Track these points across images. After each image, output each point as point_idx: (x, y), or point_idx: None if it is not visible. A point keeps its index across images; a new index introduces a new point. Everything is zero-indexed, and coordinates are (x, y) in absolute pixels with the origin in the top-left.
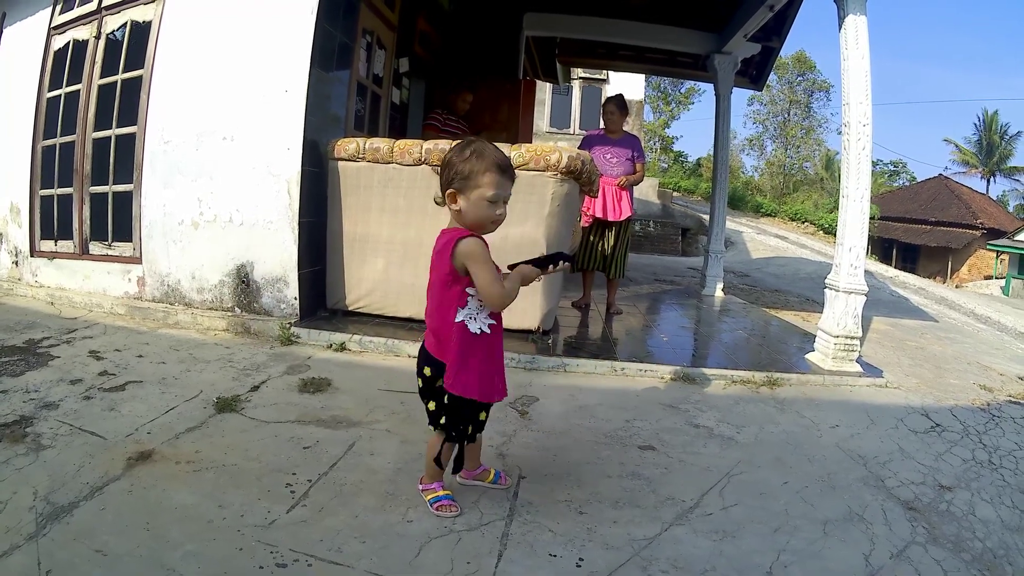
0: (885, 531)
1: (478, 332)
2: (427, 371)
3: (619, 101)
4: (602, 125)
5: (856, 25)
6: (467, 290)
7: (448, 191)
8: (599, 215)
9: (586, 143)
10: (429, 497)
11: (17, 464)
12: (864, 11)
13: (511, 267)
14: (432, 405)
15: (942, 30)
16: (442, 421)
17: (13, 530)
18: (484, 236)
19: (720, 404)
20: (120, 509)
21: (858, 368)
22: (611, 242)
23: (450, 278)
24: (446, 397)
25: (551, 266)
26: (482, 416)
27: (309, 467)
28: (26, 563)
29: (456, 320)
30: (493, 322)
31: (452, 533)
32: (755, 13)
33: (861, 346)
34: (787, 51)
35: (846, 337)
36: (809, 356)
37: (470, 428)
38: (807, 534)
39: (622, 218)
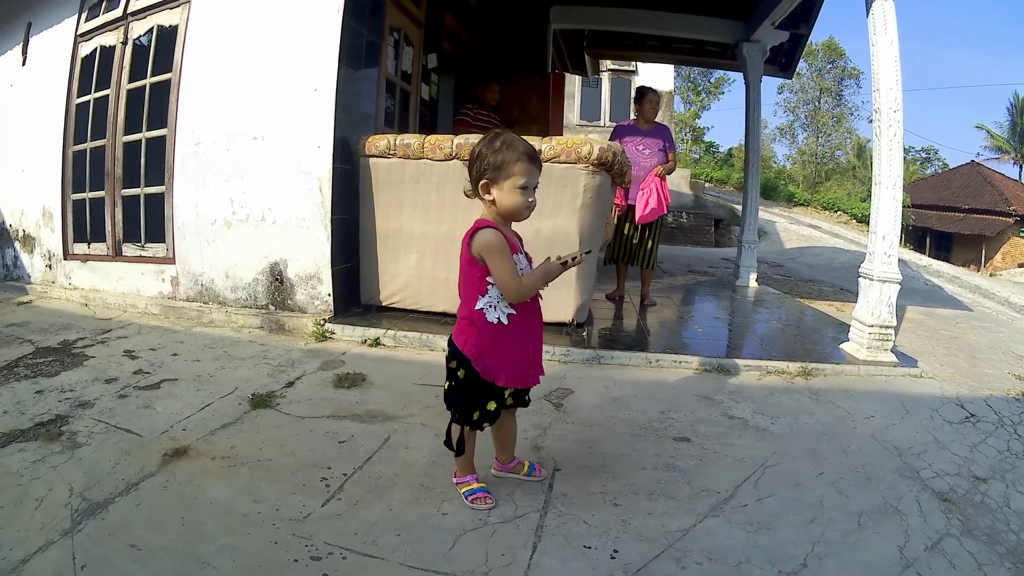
0: (920, 523)
1: (495, 321)
2: (446, 353)
3: (655, 91)
4: (632, 116)
5: (884, 9)
6: (487, 279)
7: (481, 183)
8: (644, 210)
9: (616, 134)
10: (464, 490)
11: (53, 462)
12: None
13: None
14: (446, 385)
15: (971, 12)
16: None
17: (48, 526)
18: (517, 226)
19: (755, 395)
20: (155, 504)
21: (893, 358)
22: (644, 233)
23: (469, 266)
24: (453, 381)
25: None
26: (490, 406)
27: (344, 461)
28: (61, 558)
29: (476, 308)
30: (513, 312)
31: (487, 525)
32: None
33: (896, 336)
34: (816, 38)
35: (881, 327)
36: (844, 346)
37: (476, 414)
38: (842, 526)
39: (663, 213)
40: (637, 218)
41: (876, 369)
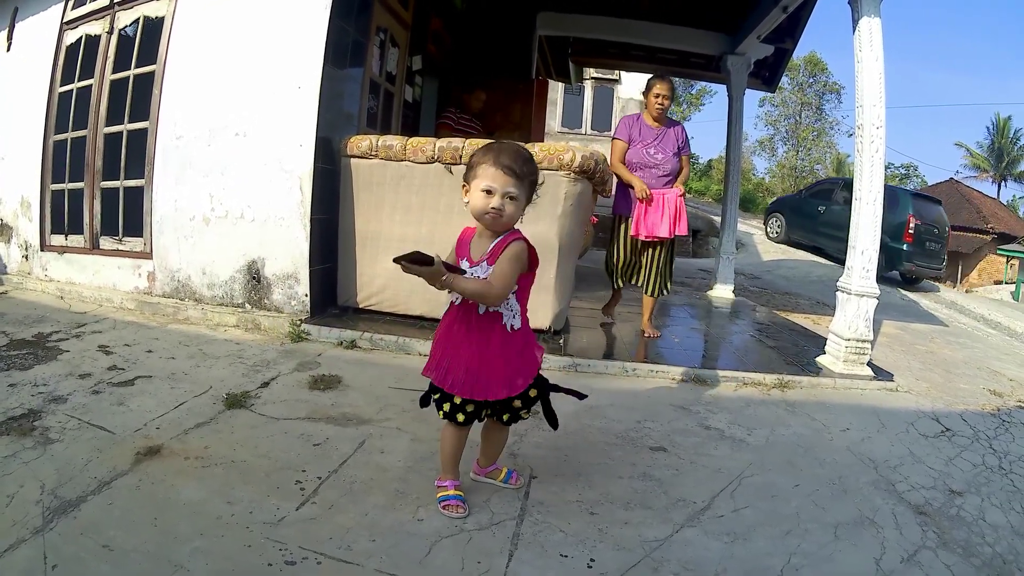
0: (896, 535)
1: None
2: None
3: (667, 80)
4: (640, 111)
5: (870, 27)
6: None
7: (463, 184)
8: (645, 234)
9: (624, 128)
10: (439, 495)
11: (24, 457)
12: (878, 13)
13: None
14: None
15: (954, 32)
16: None
17: (19, 524)
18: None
19: (731, 406)
20: (128, 504)
21: (869, 372)
22: (656, 254)
23: None
24: None
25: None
26: (445, 407)
27: (319, 464)
28: (32, 557)
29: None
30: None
31: (463, 532)
32: (768, 14)
33: (872, 349)
34: (798, 53)
35: (857, 340)
36: (820, 359)
37: (442, 411)
38: (818, 537)
39: (676, 234)
40: (639, 231)
41: (852, 382)
